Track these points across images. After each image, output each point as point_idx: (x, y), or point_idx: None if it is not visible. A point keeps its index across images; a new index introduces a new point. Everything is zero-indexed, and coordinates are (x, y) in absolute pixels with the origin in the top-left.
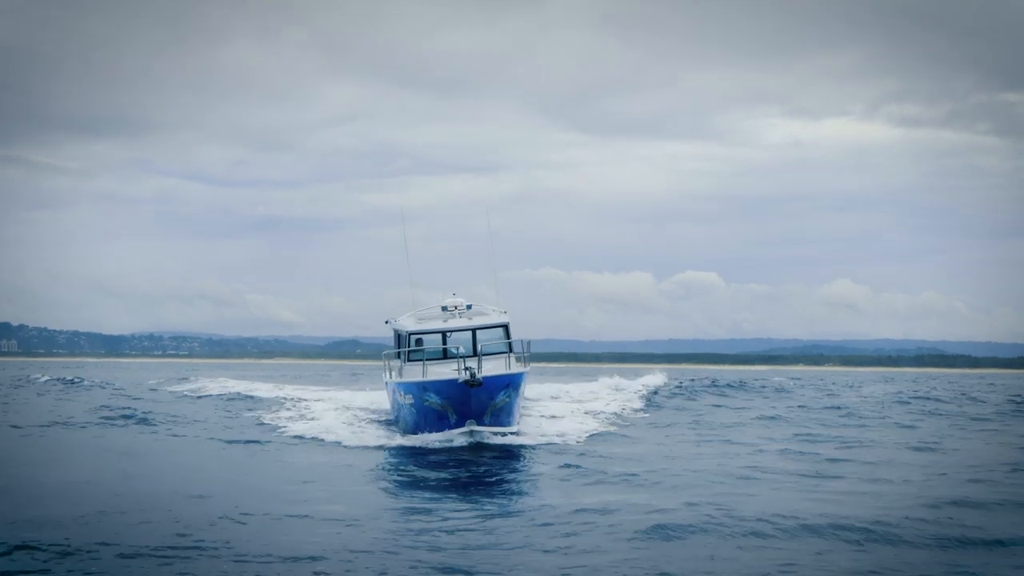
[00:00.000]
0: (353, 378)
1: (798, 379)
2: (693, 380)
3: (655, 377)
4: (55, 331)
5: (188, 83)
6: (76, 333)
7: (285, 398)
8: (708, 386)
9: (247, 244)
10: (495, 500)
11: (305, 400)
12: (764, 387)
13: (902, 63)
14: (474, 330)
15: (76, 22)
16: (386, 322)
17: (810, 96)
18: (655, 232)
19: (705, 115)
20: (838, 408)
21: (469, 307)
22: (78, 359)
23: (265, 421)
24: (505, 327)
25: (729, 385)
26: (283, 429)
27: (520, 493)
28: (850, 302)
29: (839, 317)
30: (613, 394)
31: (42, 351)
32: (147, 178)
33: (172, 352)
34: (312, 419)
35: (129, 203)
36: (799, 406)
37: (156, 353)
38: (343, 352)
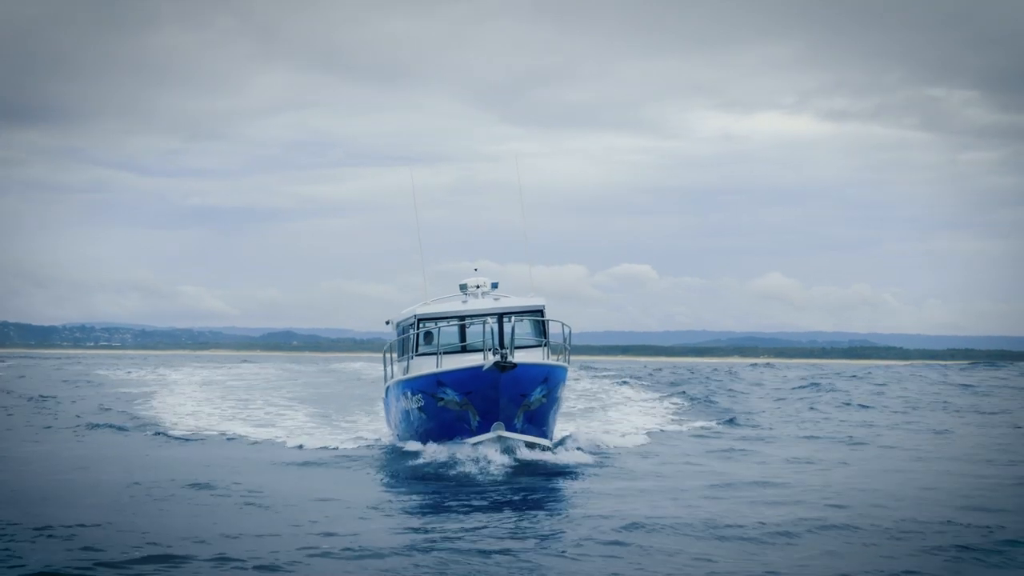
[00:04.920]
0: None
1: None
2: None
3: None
4: None
5: (118, 70)
6: (5, 324)
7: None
8: None
9: (180, 235)
10: None
11: None
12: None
13: (831, 56)
14: (501, 315)
15: (2, 6)
16: (387, 322)
17: (742, 89)
18: (589, 225)
19: (639, 107)
20: None
21: (495, 286)
22: (8, 350)
23: None
24: (540, 311)
25: None
26: None
27: None
28: (781, 295)
29: (771, 310)
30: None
31: None
32: (78, 167)
33: (104, 343)
34: None
35: (60, 192)
36: None
37: (88, 344)
38: (278, 344)
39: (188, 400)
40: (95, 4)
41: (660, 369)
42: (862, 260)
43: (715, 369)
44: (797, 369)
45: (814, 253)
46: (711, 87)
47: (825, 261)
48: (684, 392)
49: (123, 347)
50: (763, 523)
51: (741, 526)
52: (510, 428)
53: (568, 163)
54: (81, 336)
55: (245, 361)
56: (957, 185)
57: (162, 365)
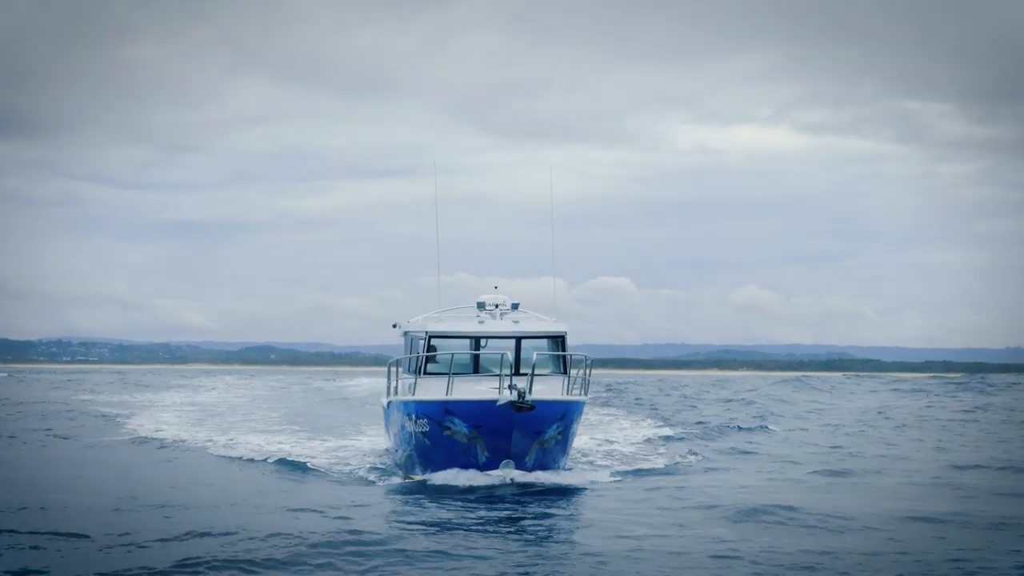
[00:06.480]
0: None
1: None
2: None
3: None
4: None
5: (93, 82)
6: None
7: None
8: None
9: (156, 248)
10: None
11: None
12: None
13: (808, 68)
14: (519, 338)
15: None
16: (394, 326)
17: (718, 101)
18: (568, 237)
19: (615, 119)
20: None
21: (515, 306)
22: None
23: None
24: (561, 339)
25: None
26: None
27: None
28: (760, 307)
29: (750, 322)
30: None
31: None
32: (53, 180)
33: (81, 358)
34: None
35: (34, 205)
36: None
37: (65, 359)
38: (256, 358)
39: (170, 426)
40: (70, 15)
41: (641, 384)
42: (840, 272)
43: (746, 385)
44: (781, 382)
45: (792, 265)
46: (687, 100)
47: (803, 273)
48: (682, 411)
49: (100, 361)
50: (771, 549)
51: (745, 554)
52: (520, 466)
53: (545, 175)
54: (58, 351)
55: (227, 374)
56: (934, 197)
57: (144, 388)
